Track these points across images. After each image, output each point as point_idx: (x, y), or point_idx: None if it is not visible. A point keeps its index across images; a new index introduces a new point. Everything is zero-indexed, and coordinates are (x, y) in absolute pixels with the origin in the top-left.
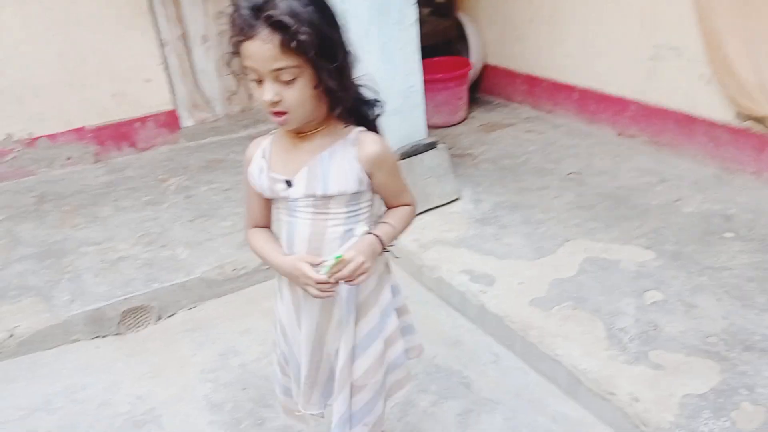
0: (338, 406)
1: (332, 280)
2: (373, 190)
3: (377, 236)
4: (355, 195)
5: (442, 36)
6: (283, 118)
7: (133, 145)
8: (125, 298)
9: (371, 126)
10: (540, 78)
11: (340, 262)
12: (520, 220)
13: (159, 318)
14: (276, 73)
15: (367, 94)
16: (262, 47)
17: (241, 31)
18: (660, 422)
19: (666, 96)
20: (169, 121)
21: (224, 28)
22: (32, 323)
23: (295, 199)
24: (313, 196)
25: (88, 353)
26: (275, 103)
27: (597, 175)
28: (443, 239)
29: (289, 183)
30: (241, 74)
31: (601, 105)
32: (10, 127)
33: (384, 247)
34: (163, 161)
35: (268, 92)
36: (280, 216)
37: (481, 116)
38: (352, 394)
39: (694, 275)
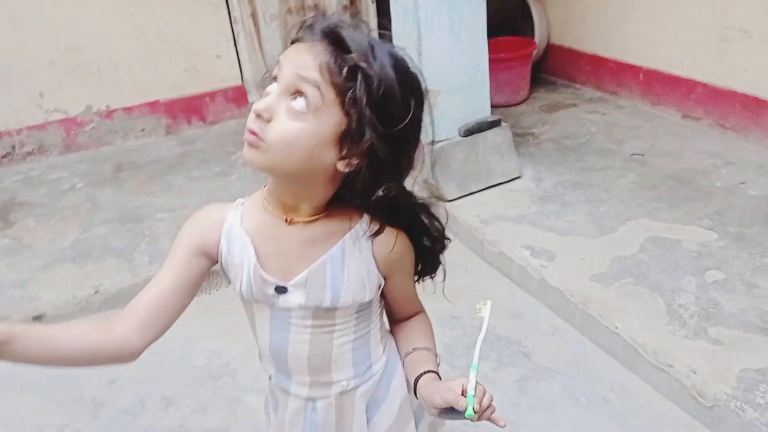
0: None
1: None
2: (383, 295)
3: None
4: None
5: (506, 14)
6: (256, 142)
7: (202, 119)
8: None
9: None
10: (605, 58)
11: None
12: (582, 199)
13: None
14: (294, 85)
15: (433, 225)
16: (304, 48)
17: (299, 32)
18: (717, 393)
19: (734, 78)
20: (237, 96)
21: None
22: (115, 281)
23: (287, 309)
24: (315, 308)
25: None
26: (261, 118)
27: (661, 157)
28: (505, 215)
29: (281, 289)
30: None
31: (666, 87)
32: (90, 99)
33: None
34: (231, 134)
35: (265, 99)
36: (252, 316)
37: (543, 96)
38: None
39: (756, 256)
